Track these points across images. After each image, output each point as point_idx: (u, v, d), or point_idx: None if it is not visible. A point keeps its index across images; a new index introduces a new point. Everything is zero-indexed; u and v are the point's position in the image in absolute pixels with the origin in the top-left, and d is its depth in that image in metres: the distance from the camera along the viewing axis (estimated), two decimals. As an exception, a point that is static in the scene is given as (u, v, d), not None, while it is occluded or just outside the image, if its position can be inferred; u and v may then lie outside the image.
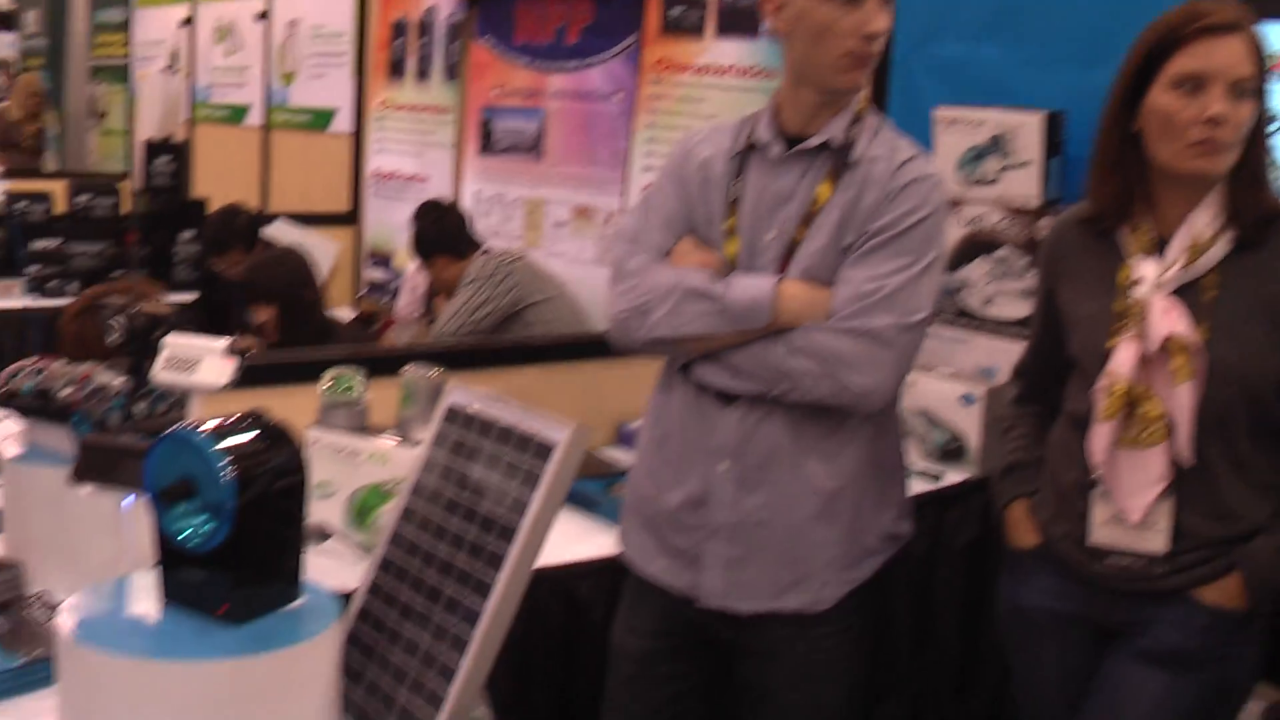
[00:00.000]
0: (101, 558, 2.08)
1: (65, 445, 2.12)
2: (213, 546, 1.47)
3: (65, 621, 1.48)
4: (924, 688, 3.04)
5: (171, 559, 1.53)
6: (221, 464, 1.44)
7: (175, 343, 1.81)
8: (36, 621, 1.94)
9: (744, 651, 2.21)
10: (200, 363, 1.78)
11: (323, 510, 2.32)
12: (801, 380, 2.06)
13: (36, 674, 1.79)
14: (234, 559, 1.48)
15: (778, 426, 2.11)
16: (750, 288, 2.09)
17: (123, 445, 1.67)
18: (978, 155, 3.18)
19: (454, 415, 1.75)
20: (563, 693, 2.54)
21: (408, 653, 1.62)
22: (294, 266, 4.19)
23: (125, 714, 1.42)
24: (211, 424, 1.49)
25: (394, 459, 2.26)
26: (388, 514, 2.23)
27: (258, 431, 1.53)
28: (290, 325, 4.00)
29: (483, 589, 1.57)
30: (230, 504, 1.45)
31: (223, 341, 1.80)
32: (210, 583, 1.51)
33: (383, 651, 1.65)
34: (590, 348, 3.23)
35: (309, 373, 2.49)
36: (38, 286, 5.01)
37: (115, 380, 2.14)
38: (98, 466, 1.67)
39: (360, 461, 2.29)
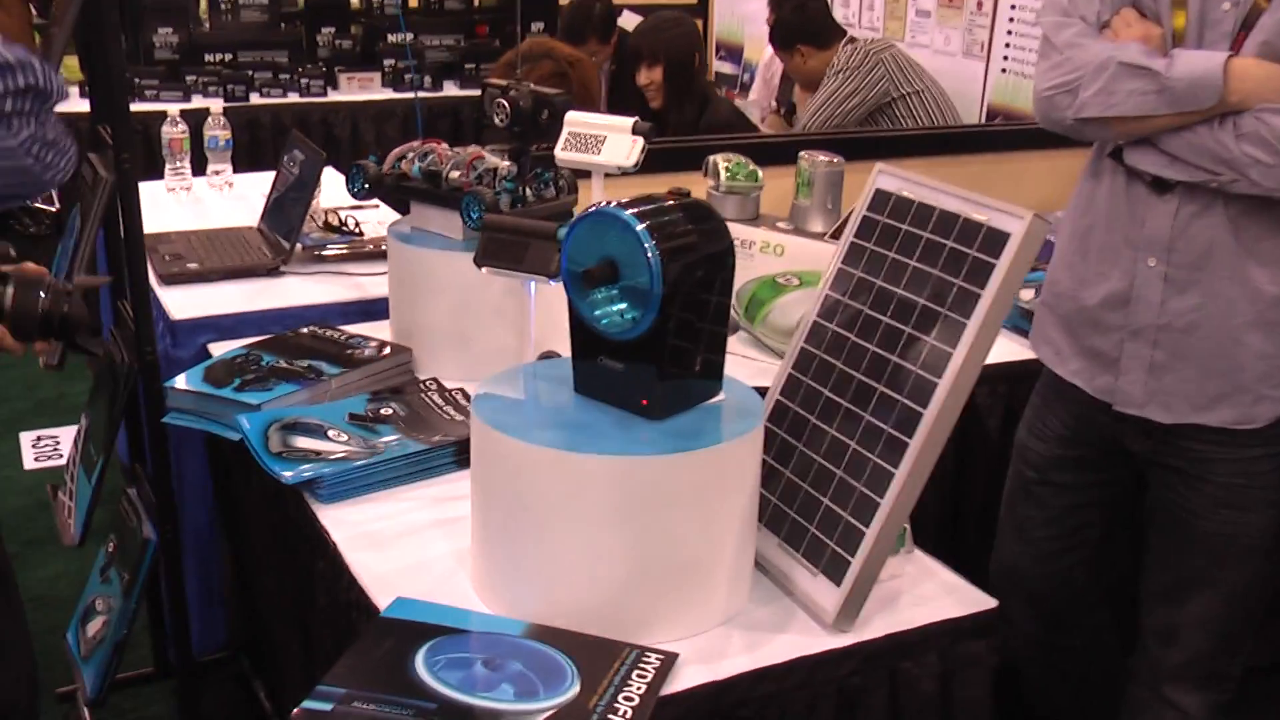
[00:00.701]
0: (491, 344, 2.03)
1: (454, 228, 2.06)
2: (636, 335, 1.36)
3: (481, 411, 1.41)
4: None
5: (589, 348, 1.43)
6: (650, 246, 1.32)
7: (577, 120, 1.69)
8: (433, 406, 1.91)
9: (1160, 467, 1.98)
10: (605, 142, 1.66)
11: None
12: (1249, 170, 1.78)
13: (436, 460, 1.75)
14: (658, 350, 1.36)
15: (1216, 221, 1.85)
16: (1197, 63, 1.80)
17: (530, 226, 1.57)
18: None
19: (882, 201, 1.57)
20: (955, 504, 2.39)
21: (831, 456, 1.48)
22: (686, 29, 4.18)
23: (545, 508, 1.34)
24: (634, 205, 1.36)
25: (790, 251, 2.11)
26: (782, 308, 2.09)
27: (683, 213, 1.39)
28: (675, 89, 3.99)
29: (922, 390, 1.41)
30: (658, 290, 1.32)
31: (627, 120, 1.67)
32: (631, 374, 1.40)
33: (805, 452, 1.52)
34: (972, 140, 2.98)
35: (692, 159, 2.36)
36: (395, 79, 5.06)
37: (504, 162, 2.05)
38: (503, 249, 1.57)
39: (753, 253, 2.15)
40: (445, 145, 2.14)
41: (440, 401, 1.93)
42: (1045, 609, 2.16)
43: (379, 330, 2.25)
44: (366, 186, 2.13)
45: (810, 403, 1.55)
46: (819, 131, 3.64)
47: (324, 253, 2.67)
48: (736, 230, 2.16)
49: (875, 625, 1.44)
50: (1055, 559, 2.12)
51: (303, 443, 1.75)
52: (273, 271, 2.58)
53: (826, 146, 2.53)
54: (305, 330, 2.17)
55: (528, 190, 2.03)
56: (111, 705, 2.43)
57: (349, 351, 2.06)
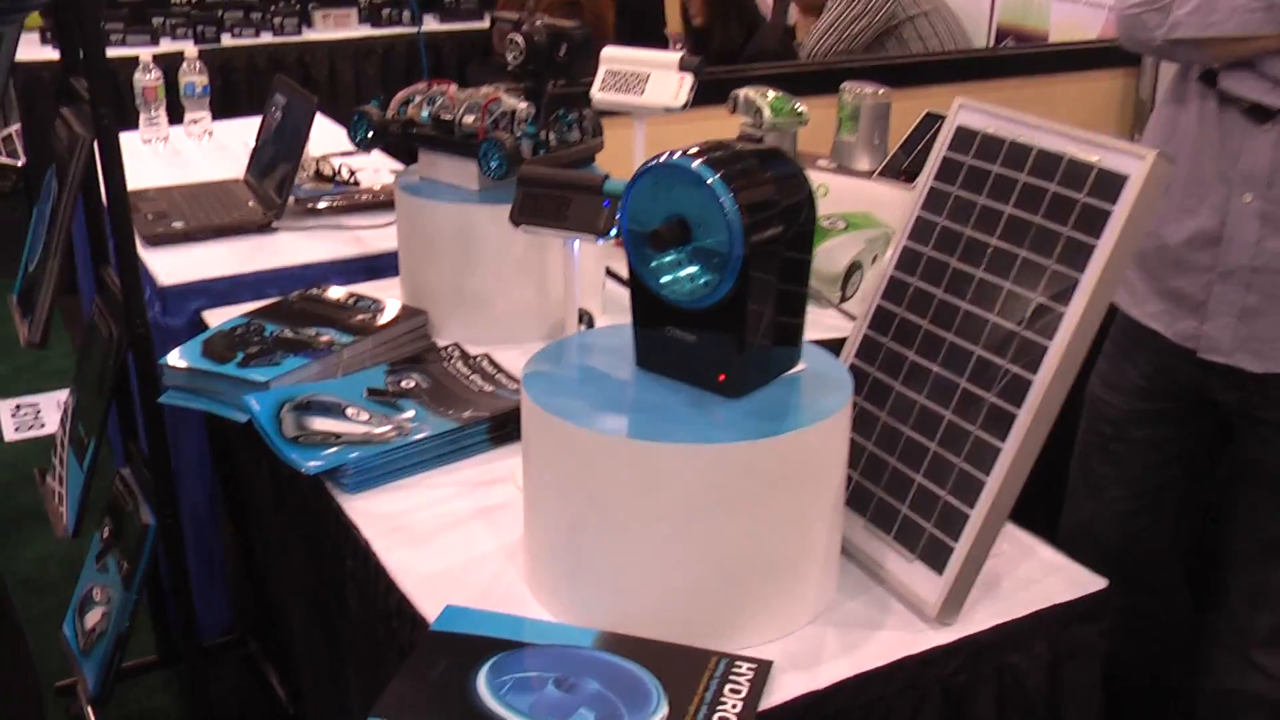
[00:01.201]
0: (514, 304, 1.87)
1: (470, 178, 1.89)
2: (711, 303, 1.20)
3: (534, 393, 1.25)
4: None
5: (654, 317, 1.26)
6: (728, 201, 1.15)
7: (616, 57, 1.51)
8: (458, 377, 1.74)
9: (1250, 419, 1.84)
10: (649, 80, 1.48)
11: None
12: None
13: (470, 439, 1.59)
14: (736, 318, 1.20)
15: (1323, 154, 1.69)
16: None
17: (572, 178, 1.40)
18: None
19: (965, 139, 1.40)
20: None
21: (922, 427, 1.33)
22: None
23: (616, 503, 1.18)
24: (705, 153, 1.19)
25: (835, 191, 1.94)
26: (828, 252, 1.93)
27: (758, 161, 1.22)
28: (721, 3, 3.76)
29: (1029, 353, 1.25)
30: (739, 251, 1.15)
31: (672, 54, 1.49)
32: (704, 346, 1.24)
33: (890, 423, 1.36)
34: (980, 66, 2.79)
35: (717, 92, 2.18)
36: (372, 15, 4.83)
37: (521, 104, 1.87)
38: (542, 205, 1.40)
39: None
40: (454, 86, 1.95)
41: (465, 370, 1.76)
42: (1120, 570, 2.01)
43: (388, 290, 2.07)
44: (371, 135, 1.95)
45: (893, 367, 1.39)
46: (844, 59, 3.45)
47: (319, 206, 2.49)
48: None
49: (980, 615, 1.29)
50: (1132, 519, 1.98)
51: (320, 424, 1.59)
52: (265, 228, 2.39)
53: (835, 75, 2.36)
54: (309, 293, 1.99)
55: (550, 134, 1.85)
56: (114, 697, 2.28)
57: (359, 317, 1.88)
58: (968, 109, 1.42)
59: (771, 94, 1.92)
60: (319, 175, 2.57)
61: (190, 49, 3.07)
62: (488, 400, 1.66)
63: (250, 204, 2.48)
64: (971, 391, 1.30)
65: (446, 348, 1.83)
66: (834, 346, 1.41)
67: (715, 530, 1.18)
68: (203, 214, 2.42)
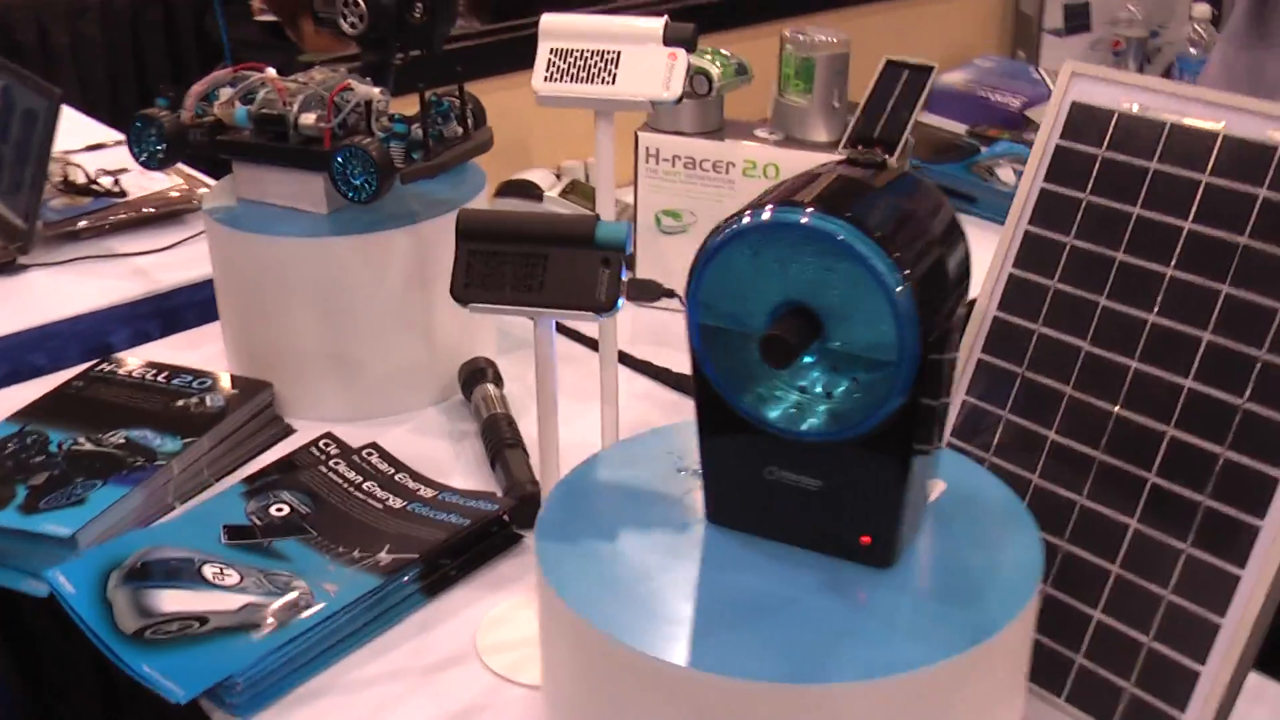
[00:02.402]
0: (391, 363, 1.39)
1: (313, 198, 1.38)
2: (860, 433, 0.76)
3: (570, 595, 0.78)
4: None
5: (748, 455, 0.81)
6: (892, 278, 0.70)
7: (564, 27, 1.02)
8: (346, 488, 1.25)
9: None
10: (618, 60, 1.01)
11: (675, 252, 1.59)
12: None
13: (397, 595, 1.10)
14: (896, 450, 0.76)
15: None
16: None
17: (547, 225, 0.92)
18: None
19: (1088, 122, 0.99)
20: None
21: (1090, 542, 0.93)
22: None
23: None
24: (830, 202, 0.74)
25: (787, 170, 1.51)
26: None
27: (905, 201, 0.78)
28: None
29: (1261, 433, 0.86)
30: (912, 351, 0.72)
31: (652, 21, 1.02)
32: (835, 495, 0.80)
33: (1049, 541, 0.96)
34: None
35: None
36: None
37: (374, 90, 1.36)
38: (500, 270, 0.92)
39: (733, 178, 1.53)
40: (273, 71, 1.42)
41: (353, 476, 1.26)
42: None
43: (200, 349, 1.55)
44: (163, 149, 1.40)
45: (1023, 452, 0.98)
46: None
47: (77, 228, 1.90)
48: (701, 149, 1.54)
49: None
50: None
51: (171, 602, 1.08)
52: (9, 266, 1.80)
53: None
54: (97, 371, 1.45)
55: (425, 129, 1.36)
56: None
57: (179, 403, 1.36)
58: (1084, 78, 1.00)
59: (708, 48, 1.47)
60: (69, 186, 1.98)
61: None
62: (400, 523, 1.18)
63: (-20, 233, 1.88)
64: (1169, 491, 0.90)
65: (320, 443, 1.32)
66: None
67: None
68: (-84, 255, 1.81)
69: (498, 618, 1.09)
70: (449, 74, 1.40)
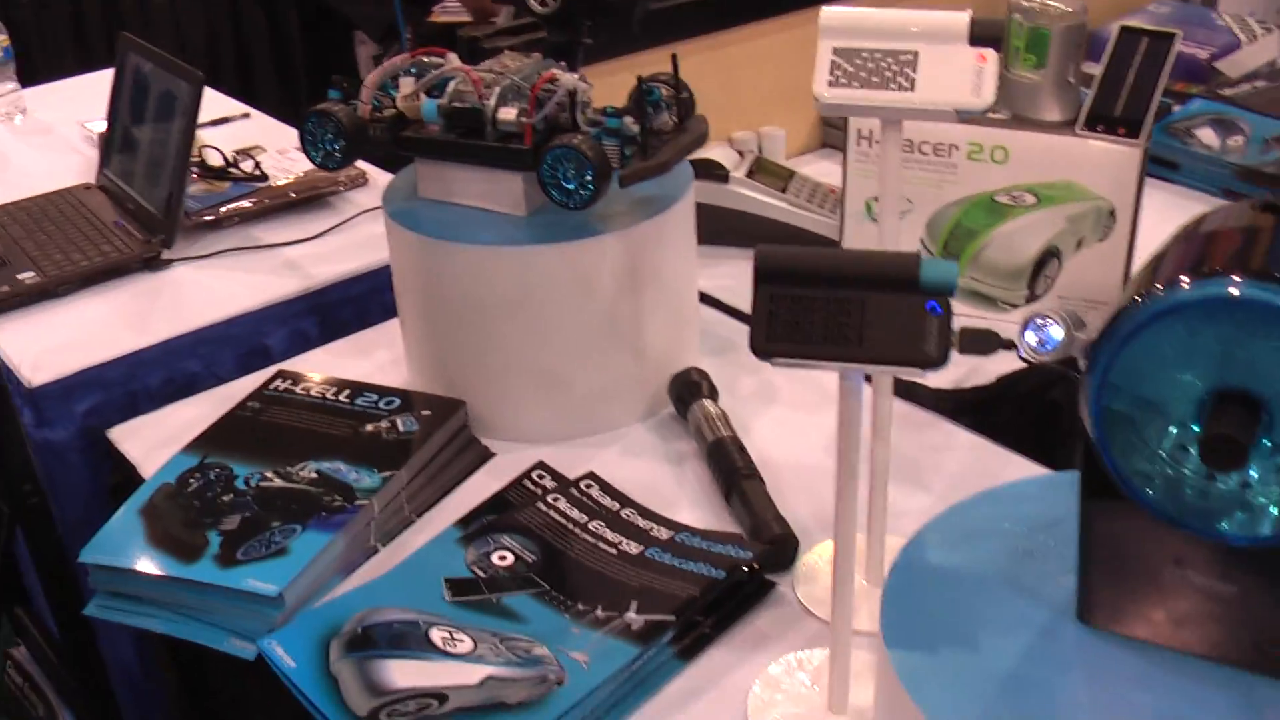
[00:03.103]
0: (601, 383, 1.27)
1: (511, 199, 1.24)
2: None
3: (927, 697, 0.66)
4: None
5: (1145, 554, 0.67)
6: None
7: (848, 23, 0.87)
8: (572, 529, 1.12)
9: None
10: (916, 61, 0.85)
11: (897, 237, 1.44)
12: None
13: (653, 662, 0.98)
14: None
15: None
16: None
17: (858, 264, 0.78)
18: None
19: None
20: None
21: None
22: None
23: None
24: (1230, 248, 0.60)
25: (1016, 153, 1.35)
26: (1005, 239, 1.36)
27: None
28: None
29: None
30: None
31: (955, 15, 0.86)
32: (1254, 601, 0.66)
33: None
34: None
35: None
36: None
37: (574, 78, 1.22)
38: (808, 318, 0.78)
39: (956, 161, 1.38)
40: (456, 57, 1.29)
41: (577, 515, 1.14)
42: None
43: (370, 355, 1.43)
44: (340, 148, 1.27)
45: None
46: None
47: (220, 215, 1.78)
48: (920, 130, 1.39)
49: None
50: None
51: (403, 674, 0.96)
52: (153, 262, 1.69)
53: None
54: (273, 389, 1.33)
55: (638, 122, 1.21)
56: None
57: (369, 427, 1.24)
58: None
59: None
60: (205, 170, 1.86)
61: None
62: (642, 573, 1.05)
63: (117, 223, 1.77)
64: None
65: (532, 475, 1.20)
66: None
67: None
68: (57, 251, 1.70)
69: (770, 683, 0.96)
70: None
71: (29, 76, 2.46)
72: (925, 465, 1.20)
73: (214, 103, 2.32)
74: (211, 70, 3.64)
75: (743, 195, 1.56)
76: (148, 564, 1.09)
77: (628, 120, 1.19)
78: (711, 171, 1.57)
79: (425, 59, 1.29)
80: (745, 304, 1.47)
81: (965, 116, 0.87)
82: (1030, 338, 1.06)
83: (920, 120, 0.90)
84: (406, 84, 1.26)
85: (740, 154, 1.63)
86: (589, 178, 1.14)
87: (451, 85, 1.23)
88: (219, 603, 1.06)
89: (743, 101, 1.81)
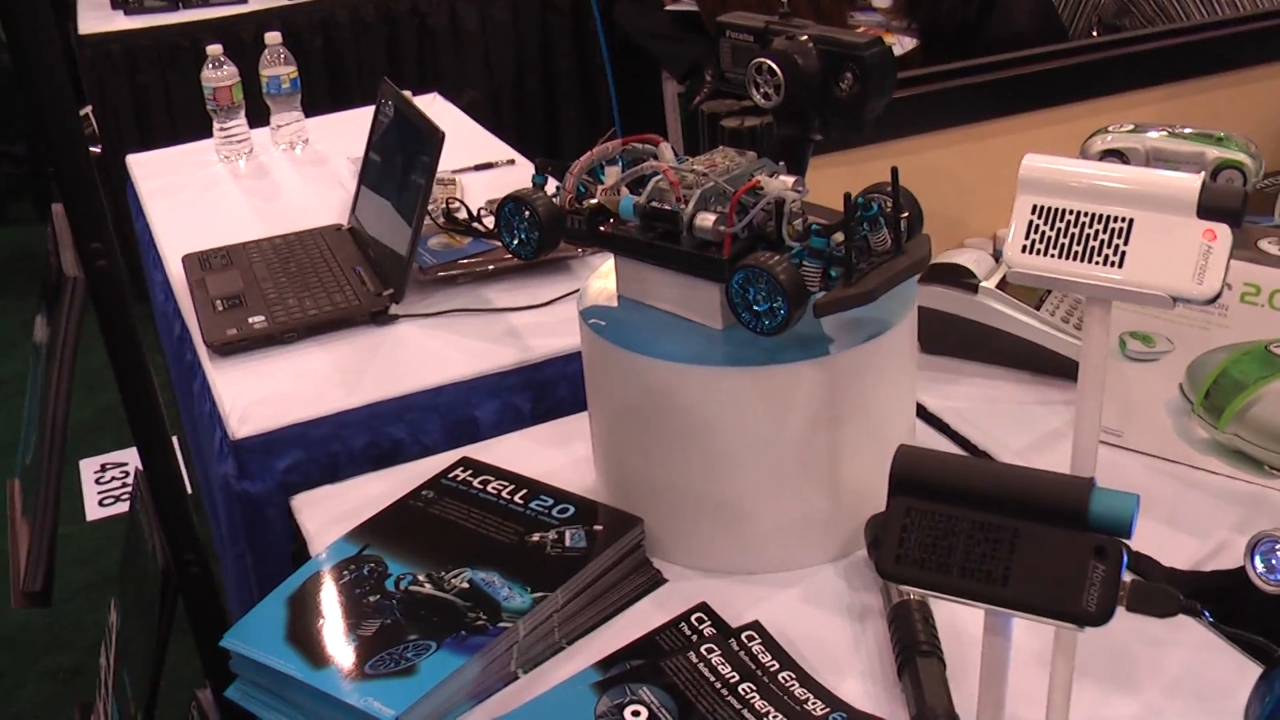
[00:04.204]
0: (789, 520, 1.14)
1: (706, 310, 1.14)
2: None
3: None
4: None
5: None
6: None
7: (1053, 179, 0.72)
8: (711, 685, 1.01)
9: None
10: (1130, 231, 0.70)
11: (1140, 384, 1.26)
12: None
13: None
14: None
15: None
16: None
17: (1009, 484, 0.65)
18: None
19: None
20: None
21: None
22: None
23: None
24: None
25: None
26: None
27: None
28: None
29: None
30: None
31: (1184, 178, 0.70)
32: None
33: None
34: None
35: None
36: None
37: (787, 184, 1.11)
38: (958, 547, 0.65)
39: (1225, 303, 1.20)
40: (669, 151, 1.20)
41: (728, 671, 1.03)
42: None
43: (567, 446, 1.36)
44: (535, 237, 1.21)
45: None
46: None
47: (453, 272, 1.76)
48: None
49: None
50: None
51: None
52: (380, 316, 1.68)
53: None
54: (451, 480, 1.28)
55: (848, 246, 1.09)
56: None
57: (534, 537, 1.17)
58: None
59: (1223, 141, 1.13)
60: (450, 222, 1.84)
61: (272, 35, 2.34)
62: (782, 754, 0.94)
63: (355, 270, 1.77)
64: None
65: (692, 618, 1.09)
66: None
67: None
68: (292, 296, 1.71)
69: None
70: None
71: (343, 98, 2.51)
72: (1140, 662, 1.03)
73: (484, 144, 2.33)
74: (516, 103, 3.71)
75: (991, 309, 1.41)
76: (280, 661, 1.05)
77: (836, 238, 1.07)
78: (959, 279, 1.43)
79: (639, 145, 1.21)
80: (976, 431, 1.33)
81: (1188, 304, 0.72)
82: (1259, 563, 0.89)
83: (1127, 303, 0.74)
84: (612, 173, 1.19)
85: (996, 258, 1.48)
86: (779, 304, 1.03)
87: (651, 184, 1.14)
88: (339, 716, 1.01)
89: (1008, 197, 1.65)
